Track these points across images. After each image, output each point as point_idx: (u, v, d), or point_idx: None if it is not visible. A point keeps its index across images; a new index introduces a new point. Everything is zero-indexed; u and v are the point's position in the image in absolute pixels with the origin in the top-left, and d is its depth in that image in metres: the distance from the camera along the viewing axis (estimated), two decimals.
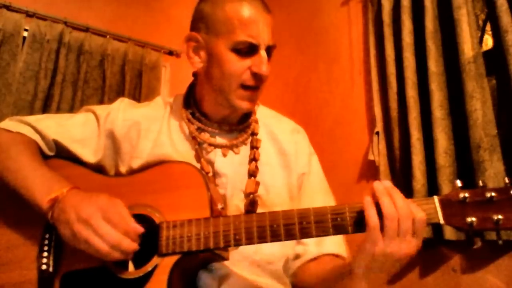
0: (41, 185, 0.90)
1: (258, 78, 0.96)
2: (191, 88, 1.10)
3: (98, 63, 2.83)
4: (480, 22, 1.88)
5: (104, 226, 0.80)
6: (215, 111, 1.05)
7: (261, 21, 0.95)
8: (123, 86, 2.86)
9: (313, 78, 2.59)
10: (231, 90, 0.98)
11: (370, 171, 2.09)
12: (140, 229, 0.84)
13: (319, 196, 1.12)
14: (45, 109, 2.55)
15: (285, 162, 1.09)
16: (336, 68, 2.45)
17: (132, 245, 0.82)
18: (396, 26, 1.98)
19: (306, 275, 1.04)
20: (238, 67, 0.95)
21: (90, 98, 2.74)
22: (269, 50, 0.98)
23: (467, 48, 1.64)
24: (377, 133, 2.01)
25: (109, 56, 2.84)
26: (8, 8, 2.55)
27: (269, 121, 1.14)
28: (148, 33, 3.05)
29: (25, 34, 2.61)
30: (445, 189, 1.60)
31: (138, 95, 2.90)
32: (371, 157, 2.00)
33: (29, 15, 2.62)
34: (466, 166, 1.59)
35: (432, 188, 1.68)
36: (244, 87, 0.97)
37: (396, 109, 1.92)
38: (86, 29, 2.80)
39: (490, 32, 1.72)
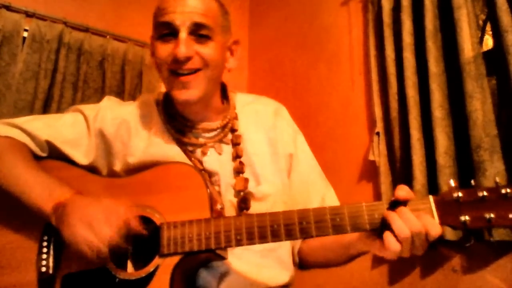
0: (42, 191, 0.89)
1: (178, 61, 0.93)
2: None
3: (98, 63, 2.82)
4: (480, 22, 1.88)
5: (105, 229, 0.81)
6: (185, 111, 1.04)
7: (179, 2, 0.94)
8: (123, 86, 2.86)
9: (313, 78, 2.59)
10: (164, 80, 0.98)
11: (370, 171, 2.09)
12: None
13: (311, 179, 1.11)
14: (45, 109, 2.55)
15: (273, 149, 1.08)
16: (336, 68, 2.45)
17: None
18: (396, 26, 1.98)
19: (310, 246, 1.07)
20: (162, 53, 0.96)
21: (90, 98, 2.74)
22: (197, 30, 0.94)
23: (467, 48, 1.64)
24: (377, 133, 2.01)
25: (109, 56, 2.84)
26: (8, 8, 2.54)
27: (250, 108, 1.12)
28: (148, 33, 3.02)
29: (25, 34, 2.60)
30: (445, 189, 1.60)
31: (138, 95, 2.90)
32: (371, 157, 2.00)
33: (29, 15, 2.61)
34: (466, 166, 1.60)
35: (432, 188, 1.68)
36: (173, 73, 0.95)
37: (396, 109, 1.92)
38: (86, 29, 2.80)
39: (490, 32, 1.72)
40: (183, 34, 0.93)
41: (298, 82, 2.70)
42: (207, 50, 0.96)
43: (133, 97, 2.85)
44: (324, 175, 1.15)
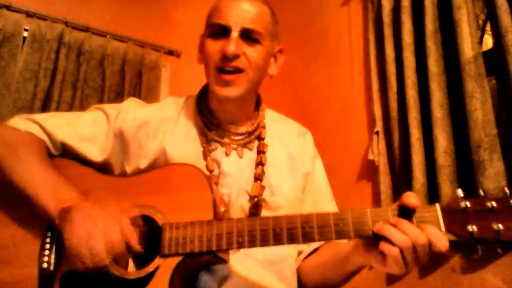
0: (50, 191, 0.90)
1: (226, 58, 0.97)
2: (204, 89, 1.12)
3: (98, 63, 2.83)
4: (480, 22, 1.88)
5: (99, 245, 0.80)
6: (218, 109, 1.06)
7: (235, 5, 0.99)
8: (123, 86, 2.87)
9: (313, 78, 2.59)
10: (210, 75, 1.01)
11: (369, 171, 2.09)
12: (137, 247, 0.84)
13: (321, 199, 1.14)
14: (44, 109, 2.55)
15: (292, 165, 1.10)
16: (336, 68, 2.45)
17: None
18: (396, 26, 1.98)
19: (308, 264, 1.07)
20: (212, 50, 0.99)
21: (89, 98, 2.75)
22: (248, 33, 0.99)
23: (467, 48, 1.64)
24: (377, 132, 2.01)
25: (109, 56, 2.84)
26: (9, 8, 2.55)
27: (276, 124, 1.16)
28: (148, 33, 3.06)
29: (25, 34, 2.61)
30: (445, 189, 1.61)
31: (138, 95, 2.91)
32: (370, 156, 2.00)
33: (29, 15, 2.62)
34: (466, 166, 1.60)
35: (432, 188, 1.68)
36: (219, 70, 0.99)
37: (396, 109, 1.92)
38: (86, 29, 2.81)
39: (490, 32, 1.72)
40: (234, 34, 0.97)
41: (298, 82, 2.70)
42: (254, 52, 0.99)
43: (132, 97, 2.85)
44: (334, 202, 1.17)
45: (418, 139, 1.76)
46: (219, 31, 0.99)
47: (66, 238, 0.83)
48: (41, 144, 1.02)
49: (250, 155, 1.06)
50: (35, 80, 2.56)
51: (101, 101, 2.74)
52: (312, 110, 2.51)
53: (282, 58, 1.13)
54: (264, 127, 1.11)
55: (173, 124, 1.07)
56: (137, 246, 0.84)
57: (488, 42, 1.82)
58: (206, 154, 1.02)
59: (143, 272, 0.85)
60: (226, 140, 1.05)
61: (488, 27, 1.82)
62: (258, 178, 1.03)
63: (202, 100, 1.10)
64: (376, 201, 2.00)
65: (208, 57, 1.00)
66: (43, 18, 2.66)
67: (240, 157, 1.05)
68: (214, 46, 0.99)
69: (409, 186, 1.73)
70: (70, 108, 2.63)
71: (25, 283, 0.90)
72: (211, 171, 1.00)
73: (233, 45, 0.96)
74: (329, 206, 1.14)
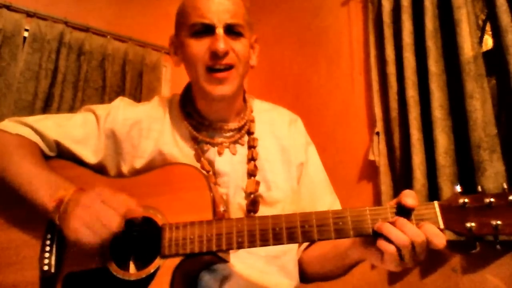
0: (46, 189, 0.89)
1: (216, 57, 0.95)
2: (188, 88, 1.11)
3: (98, 63, 2.83)
4: (480, 22, 1.88)
5: (104, 209, 0.81)
6: (207, 109, 1.05)
7: (212, 2, 0.97)
8: (124, 86, 2.87)
9: (313, 78, 2.59)
10: (199, 76, 0.98)
11: (370, 171, 2.09)
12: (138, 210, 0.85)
13: (318, 189, 1.12)
14: (45, 109, 2.56)
15: (285, 158, 1.09)
16: (336, 68, 2.45)
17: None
18: (396, 26, 1.99)
19: (309, 256, 1.07)
20: (198, 50, 0.97)
21: (90, 98, 2.75)
22: (232, 28, 0.98)
23: (467, 48, 1.64)
24: (377, 133, 2.01)
25: (109, 56, 2.84)
26: (9, 8, 2.55)
27: (266, 115, 1.14)
28: (148, 33, 3.05)
29: (26, 34, 2.61)
30: (445, 189, 1.61)
31: (139, 95, 2.91)
32: (371, 157, 2.01)
33: (30, 15, 2.62)
34: (466, 166, 1.60)
35: (432, 188, 1.69)
36: (209, 70, 0.97)
37: (396, 109, 1.93)
38: (86, 29, 2.81)
39: (490, 32, 1.72)
40: (220, 31, 0.96)
41: (298, 82, 2.70)
42: (240, 46, 0.99)
43: (133, 97, 2.86)
44: (332, 188, 1.16)
45: (418, 140, 1.76)
46: (202, 30, 0.97)
47: (66, 224, 0.83)
48: (34, 146, 1.02)
49: (243, 151, 1.05)
50: (36, 80, 2.56)
51: (102, 101, 2.74)
52: (312, 110, 2.51)
53: (258, 47, 1.10)
54: (253, 121, 1.10)
55: (167, 124, 1.06)
56: (138, 209, 0.84)
57: (488, 42, 1.82)
58: (199, 156, 1.01)
59: (143, 273, 0.85)
60: (217, 139, 1.04)
61: (488, 27, 1.82)
62: (251, 174, 1.02)
63: (187, 102, 1.08)
64: (377, 201, 2.00)
65: (194, 57, 0.98)
66: (43, 18, 2.66)
67: (233, 154, 1.04)
68: (200, 46, 0.97)
69: (409, 187, 1.73)
70: (72, 109, 2.63)
71: (26, 286, 0.90)
72: (207, 172, 1.00)
73: (222, 42, 0.94)
74: (326, 195, 1.13)
